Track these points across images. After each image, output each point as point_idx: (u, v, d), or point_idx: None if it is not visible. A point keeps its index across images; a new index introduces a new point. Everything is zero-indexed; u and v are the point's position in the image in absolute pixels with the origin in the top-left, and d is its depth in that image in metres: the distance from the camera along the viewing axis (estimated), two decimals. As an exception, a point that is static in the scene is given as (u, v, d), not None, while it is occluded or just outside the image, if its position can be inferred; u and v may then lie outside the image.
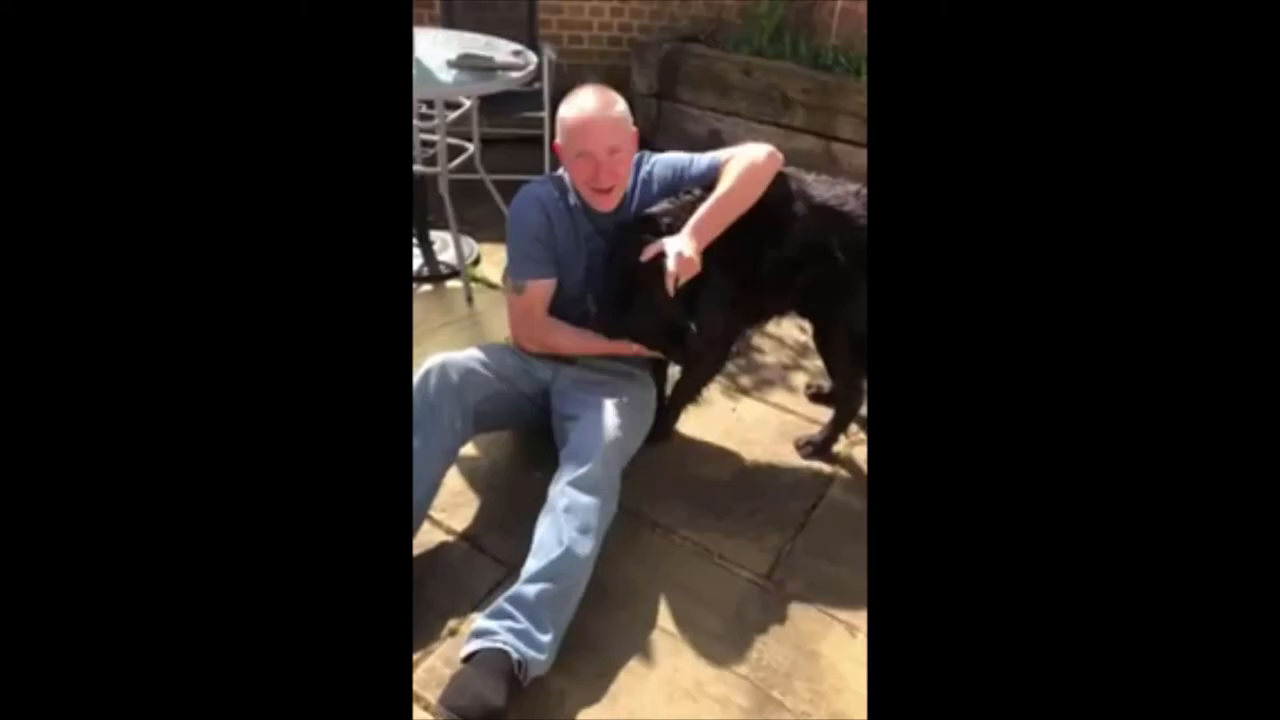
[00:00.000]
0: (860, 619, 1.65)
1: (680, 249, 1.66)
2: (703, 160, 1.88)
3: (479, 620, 1.47)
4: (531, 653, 1.42)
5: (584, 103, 1.74)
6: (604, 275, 1.80)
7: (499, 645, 1.41)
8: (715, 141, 3.93)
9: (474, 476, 1.95)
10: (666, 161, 1.91)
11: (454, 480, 1.93)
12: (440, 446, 1.68)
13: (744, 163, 1.80)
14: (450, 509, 1.85)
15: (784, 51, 3.84)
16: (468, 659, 1.42)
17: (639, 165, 1.90)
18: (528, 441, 2.06)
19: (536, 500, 1.89)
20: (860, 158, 3.64)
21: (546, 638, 1.44)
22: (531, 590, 1.47)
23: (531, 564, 1.51)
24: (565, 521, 1.54)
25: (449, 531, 1.80)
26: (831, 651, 1.59)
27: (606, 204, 1.80)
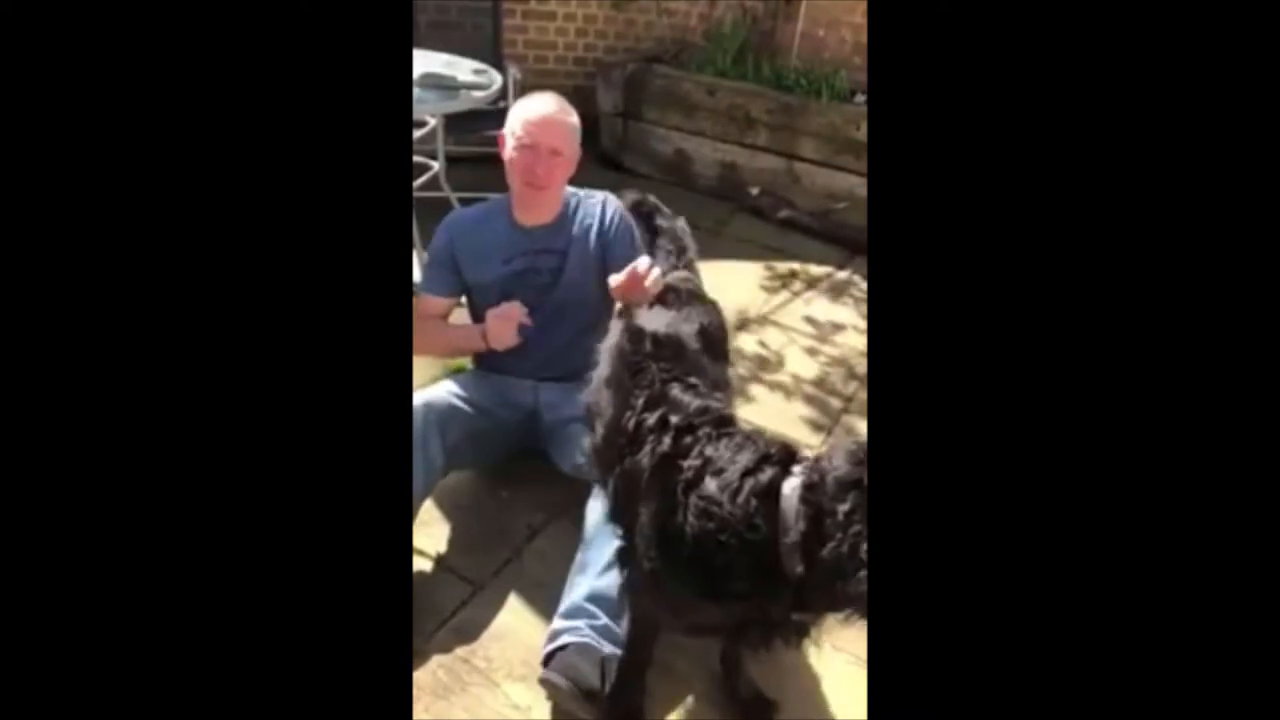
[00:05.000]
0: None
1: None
2: (632, 240, 1.90)
3: (556, 621, 1.47)
4: (611, 648, 1.43)
5: (543, 101, 1.79)
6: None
7: (585, 639, 1.42)
8: (682, 160, 3.98)
9: (440, 495, 1.93)
10: (616, 211, 1.90)
11: (420, 499, 1.92)
12: (414, 485, 1.66)
13: None
14: (417, 527, 1.83)
15: (747, 73, 3.90)
16: (553, 654, 1.42)
17: (589, 198, 1.92)
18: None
19: (504, 519, 1.89)
20: (822, 177, 3.70)
21: (622, 631, 1.46)
22: (604, 583, 1.48)
23: (594, 556, 1.52)
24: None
25: (415, 551, 1.78)
26: (799, 663, 1.61)
27: (537, 204, 1.81)
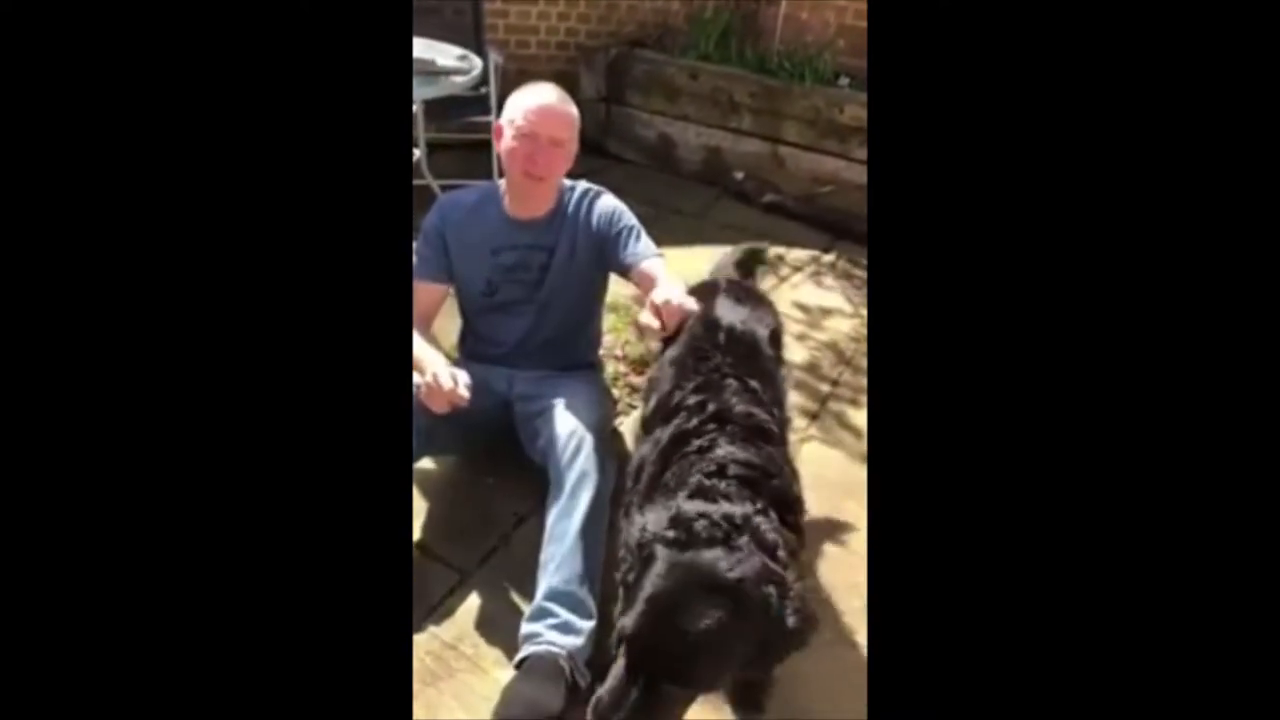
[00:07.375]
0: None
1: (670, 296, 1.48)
2: (634, 230, 1.82)
3: (524, 625, 1.47)
4: (572, 640, 1.43)
5: (543, 91, 1.76)
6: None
7: (545, 647, 1.41)
8: (665, 145, 3.96)
9: (424, 484, 1.93)
10: (611, 207, 1.84)
11: (405, 488, 1.91)
12: None
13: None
14: (401, 517, 1.83)
15: (730, 56, 3.88)
16: (518, 665, 1.43)
17: (581, 193, 1.87)
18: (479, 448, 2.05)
19: (490, 506, 1.88)
20: (807, 161, 3.69)
21: (589, 623, 1.46)
22: (559, 579, 1.48)
23: (552, 552, 1.52)
24: (570, 502, 1.56)
25: (400, 540, 1.77)
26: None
27: (534, 195, 1.78)
